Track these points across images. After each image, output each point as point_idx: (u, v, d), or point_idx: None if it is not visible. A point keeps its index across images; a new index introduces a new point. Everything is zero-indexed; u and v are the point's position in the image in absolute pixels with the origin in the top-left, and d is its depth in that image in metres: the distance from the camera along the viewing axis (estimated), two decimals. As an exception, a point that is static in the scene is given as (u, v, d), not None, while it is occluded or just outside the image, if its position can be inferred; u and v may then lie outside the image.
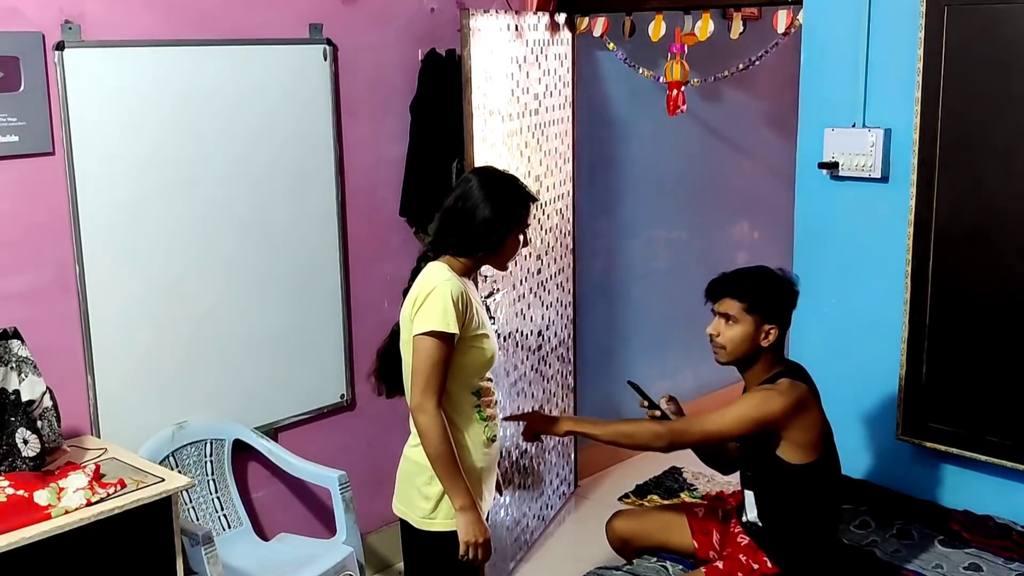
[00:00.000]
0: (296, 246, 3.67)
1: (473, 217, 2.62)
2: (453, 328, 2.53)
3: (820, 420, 2.81)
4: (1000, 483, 3.25)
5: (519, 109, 3.96)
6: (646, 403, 2.88)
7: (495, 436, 2.74)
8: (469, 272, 2.70)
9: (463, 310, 2.56)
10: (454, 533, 2.63)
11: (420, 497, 2.69)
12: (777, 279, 2.86)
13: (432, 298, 2.54)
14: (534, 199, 2.71)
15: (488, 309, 3.73)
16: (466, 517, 2.59)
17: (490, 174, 2.73)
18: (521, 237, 2.70)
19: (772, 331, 2.79)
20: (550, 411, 4.44)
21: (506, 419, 3.02)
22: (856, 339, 3.52)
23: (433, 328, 2.53)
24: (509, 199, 2.65)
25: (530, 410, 3.27)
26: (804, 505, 2.82)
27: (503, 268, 2.81)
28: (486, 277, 3.71)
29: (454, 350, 2.57)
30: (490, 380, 2.75)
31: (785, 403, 2.73)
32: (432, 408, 2.55)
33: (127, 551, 2.76)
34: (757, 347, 2.81)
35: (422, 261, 2.71)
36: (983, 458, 3.22)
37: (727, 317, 2.81)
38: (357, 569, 3.42)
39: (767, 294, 2.81)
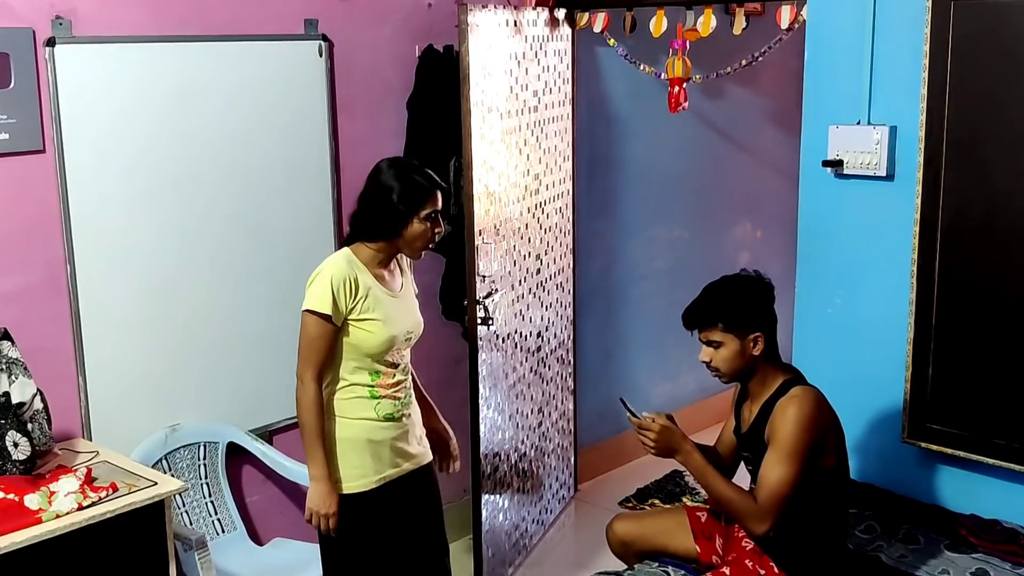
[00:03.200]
0: (291, 245, 3.64)
1: (375, 202, 2.78)
2: (327, 309, 2.72)
3: (836, 421, 2.82)
4: (1008, 487, 3.22)
5: (518, 106, 3.92)
6: (635, 419, 2.84)
7: (392, 414, 2.87)
8: (384, 259, 2.85)
9: (347, 293, 2.73)
10: (356, 495, 2.83)
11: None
12: (743, 286, 2.84)
13: (316, 280, 2.76)
14: (439, 187, 2.82)
15: (487, 310, 3.69)
16: (315, 487, 2.79)
17: (397, 163, 2.88)
18: (429, 224, 2.79)
19: (759, 338, 2.78)
20: (549, 413, 4.40)
21: (636, 424, 2.85)
22: (861, 340, 3.48)
23: (308, 307, 2.75)
24: (410, 185, 2.77)
25: (649, 416, 2.85)
26: (813, 511, 2.79)
27: (415, 256, 2.90)
28: (484, 277, 3.68)
29: (338, 330, 2.76)
30: (395, 365, 2.88)
31: (811, 403, 2.74)
32: (308, 380, 2.76)
33: (119, 556, 2.74)
34: (751, 358, 2.80)
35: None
36: (990, 461, 3.18)
37: (711, 343, 2.81)
38: (354, 574, 3.38)
39: (737, 307, 2.79)
